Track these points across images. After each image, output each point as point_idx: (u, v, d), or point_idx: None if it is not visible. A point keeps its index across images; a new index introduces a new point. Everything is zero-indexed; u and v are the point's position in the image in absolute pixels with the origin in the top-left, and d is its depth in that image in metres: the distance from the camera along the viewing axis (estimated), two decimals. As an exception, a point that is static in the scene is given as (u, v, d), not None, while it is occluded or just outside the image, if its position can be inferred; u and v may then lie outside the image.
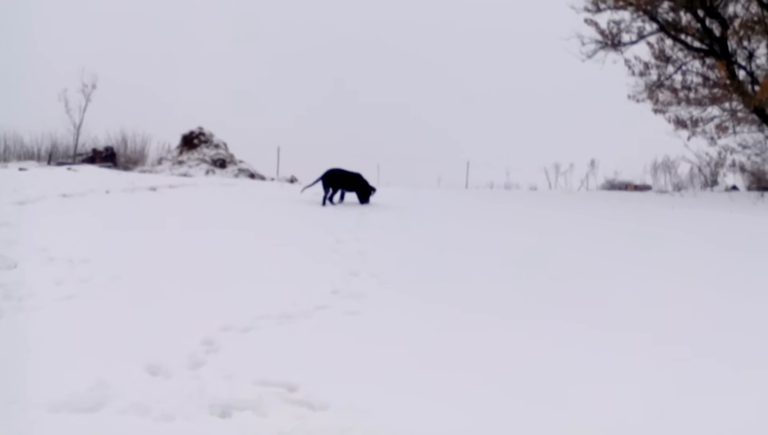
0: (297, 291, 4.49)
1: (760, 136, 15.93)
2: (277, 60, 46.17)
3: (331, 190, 10.62)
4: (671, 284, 5.24)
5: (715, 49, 15.26)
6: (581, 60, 16.03)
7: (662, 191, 16.30)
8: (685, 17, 15.42)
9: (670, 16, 15.53)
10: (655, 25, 15.74)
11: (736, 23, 14.81)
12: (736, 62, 15.33)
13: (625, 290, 4.98)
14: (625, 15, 15.65)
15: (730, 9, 15.13)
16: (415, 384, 2.96)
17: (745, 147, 16.23)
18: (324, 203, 10.43)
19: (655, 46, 16.03)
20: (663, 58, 16.05)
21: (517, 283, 5.15)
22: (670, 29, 15.59)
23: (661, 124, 16.20)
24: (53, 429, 2.38)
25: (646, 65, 16.13)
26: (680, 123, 15.97)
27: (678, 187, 16.80)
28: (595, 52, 16.00)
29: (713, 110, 15.82)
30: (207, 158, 21.70)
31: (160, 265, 5.14)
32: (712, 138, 16.02)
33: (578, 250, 6.83)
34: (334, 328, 3.77)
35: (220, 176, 19.70)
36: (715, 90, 15.37)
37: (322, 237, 7.03)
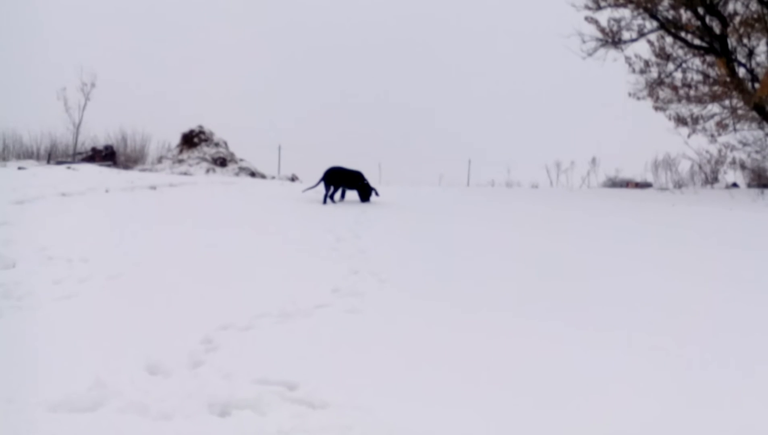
0: (297, 289, 4.48)
1: (760, 133, 15.94)
2: (276, 60, 46.27)
3: (332, 188, 10.62)
4: (674, 283, 5.21)
5: (715, 47, 15.25)
6: (582, 58, 16.10)
7: (663, 189, 16.28)
8: (685, 15, 15.43)
9: (671, 14, 15.54)
10: (655, 23, 15.78)
11: (736, 21, 14.80)
12: (736, 60, 15.33)
13: (631, 289, 4.95)
14: (625, 13, 15.70)
15: (730, 7, 15.12)
16: (416, 383, 2.94)
17: (745, 144, 16.25)
18: (325, 201, 10.43)
19: (656, 43, 16.07)
20: (663, 55, 16.07)
21: (520, 282, 5.12)
22: (670, 27, 15.60)
23: (661, 122, 16.25)
24: (52, 428, 2.37)
25: (647, 63, 16.16)
26: (681, 120, 15.99)
27: (679, 185, 16.78)
28: (595, 49, 16.03)
29: (713, 108, 15.88)
30: (207, 157, 21.72)
31: (160, 263, 5.13)
32: (712, 135, 16.05)
33: (581, 248, 6.81)
34: (334, 327, 3.75)
35: (220, 175, 19.70)
36: (716, 87, 15.38)
37: (322, 235, 7.02)
